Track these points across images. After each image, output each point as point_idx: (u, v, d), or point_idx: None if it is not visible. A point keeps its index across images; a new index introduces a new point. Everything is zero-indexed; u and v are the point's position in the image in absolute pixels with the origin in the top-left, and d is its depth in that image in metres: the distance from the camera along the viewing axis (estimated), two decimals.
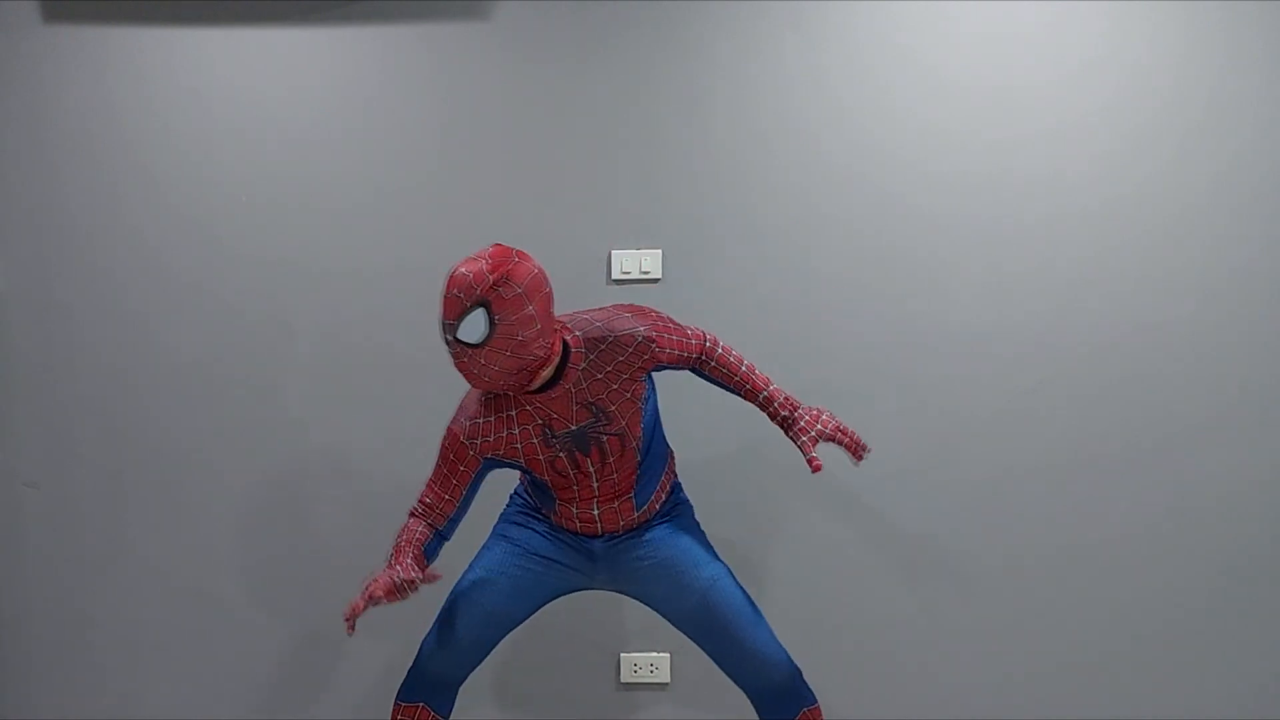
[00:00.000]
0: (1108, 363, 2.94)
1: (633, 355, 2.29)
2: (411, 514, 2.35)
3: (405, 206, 2.96)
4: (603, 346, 2.27)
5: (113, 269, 2.99)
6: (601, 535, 2.44)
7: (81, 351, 3.00)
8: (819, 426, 2.41)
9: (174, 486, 3.03)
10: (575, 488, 2.37)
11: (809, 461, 2.36)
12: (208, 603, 3.05)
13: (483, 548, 2.50)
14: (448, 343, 2.17)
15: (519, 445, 2.31)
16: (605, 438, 2.33)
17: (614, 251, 2.94)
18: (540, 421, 2.31)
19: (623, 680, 3.01)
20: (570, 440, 2.32)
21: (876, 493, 2.98)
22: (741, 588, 2.42)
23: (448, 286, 2.14)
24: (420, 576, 2.20)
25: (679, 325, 2.40)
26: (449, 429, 2.32)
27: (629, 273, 2.95)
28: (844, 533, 2.98)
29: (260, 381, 3.01)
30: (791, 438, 2.41)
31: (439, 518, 2.34)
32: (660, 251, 2.94)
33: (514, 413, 2.30)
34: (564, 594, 2.50)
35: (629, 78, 2.91)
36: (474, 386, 2.24)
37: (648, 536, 2.44)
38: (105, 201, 2.97)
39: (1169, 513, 2.96)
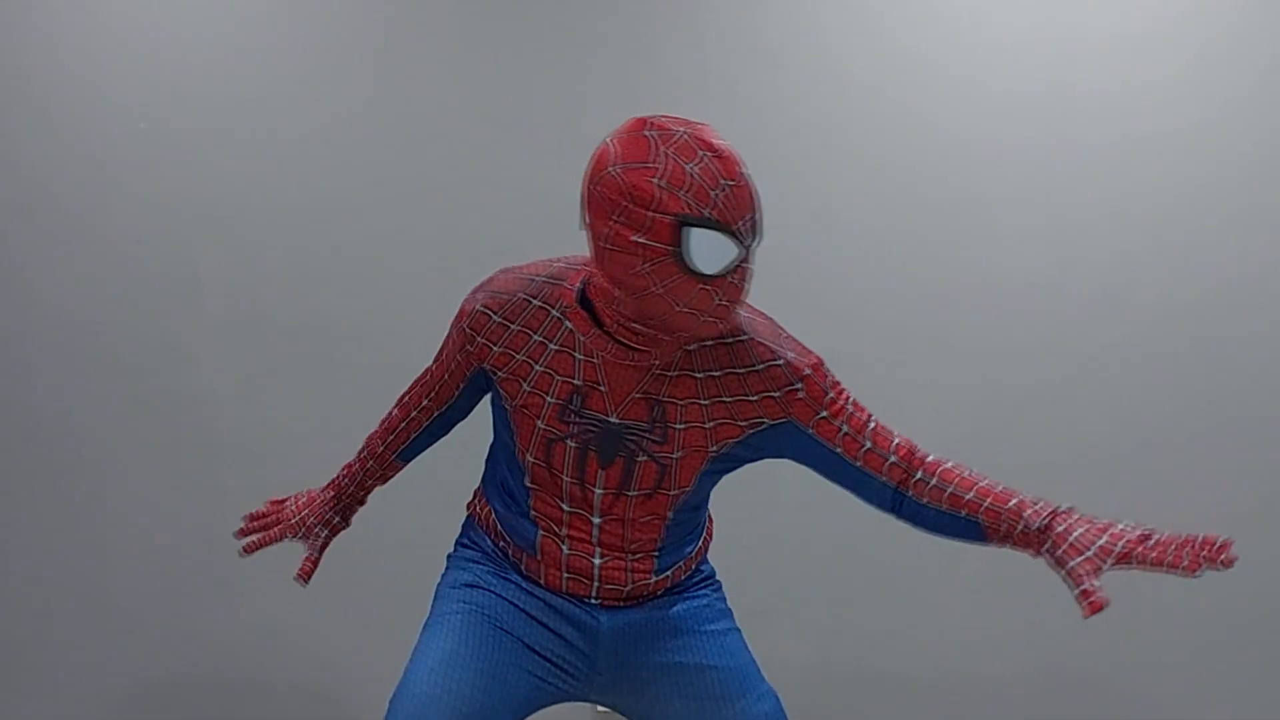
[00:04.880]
0: (1190, 322, 2.90)
1: (740, 370, 1.81)
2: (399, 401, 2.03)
3: (346, 140, 2.91)
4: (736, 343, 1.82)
5: None
6: (600, 601, 1.90)
7: None
8: None
9: (59, 470, 2.98)
10: (563, 507, 1.86)
11: None
12: (99, 608, 2.99)
13: (429, 624, 1.91)
14: (744, 256, 1.65)
15: (529, 390, 1.81)
16: (642, 458, 1.82)
17: None
18: (577, 382, 1.80)
19: (598, 709, 2.92)
20: (597, 435, 1.81)
21: None
22: None
23: (734, 169, 1.63)
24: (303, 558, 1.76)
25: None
26: (463, 305, 1.90)
27: None
28: (864, 527, 2.94)
29: (161, 346, 2.95)
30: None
31: (409, 404, 1.99)
32: None
33: (553, 347, 1.80)
34: (547, 704, 1.94)
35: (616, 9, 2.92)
36: (724, 323, 1.70)
37: (672, 624, 1.93)
38: None
39: (1267, 500, 2.91)
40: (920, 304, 2.90)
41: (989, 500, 1.75)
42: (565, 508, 1.82)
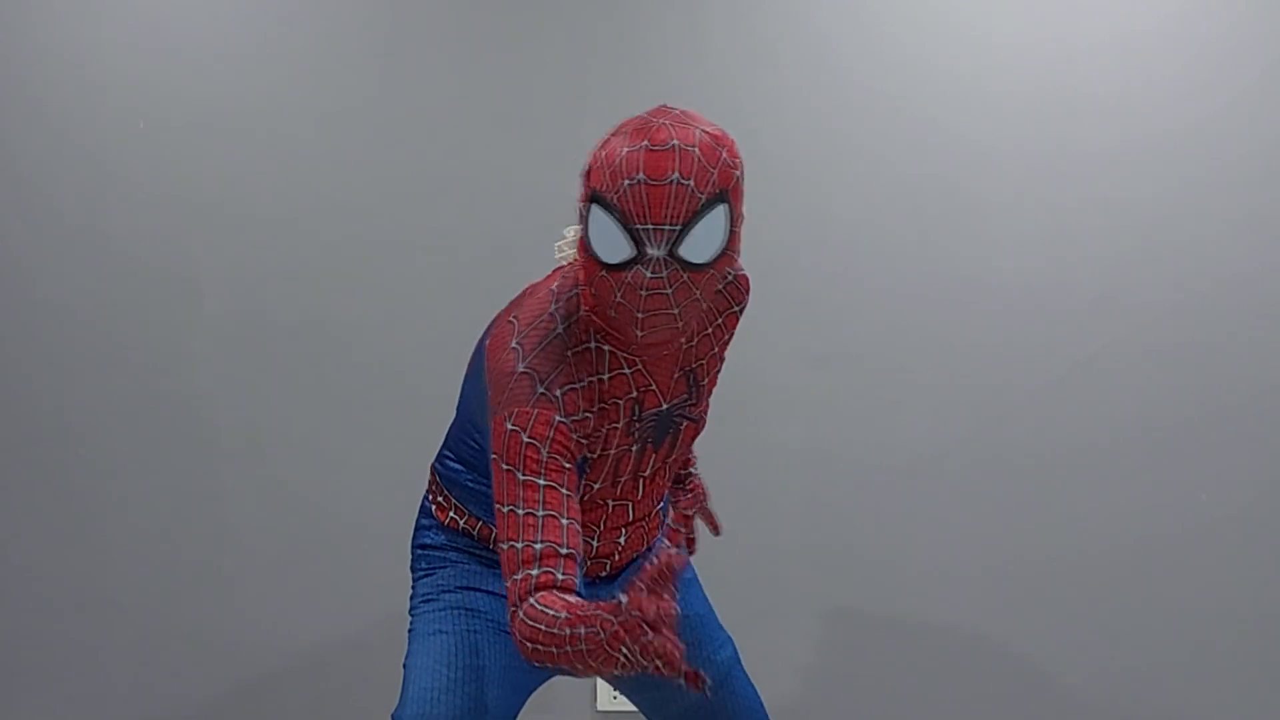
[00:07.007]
0: (1188, 322, 2.88)
1: (737, 308, 1.85)
2: (535, 588, 1.55)
3: (346, 140, 2.87)
4: (719, 287, 1.72)
5: None
6: (611, 576, 1.89)
7: None
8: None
9: (58, 469, 2.95)
10: (608, 505, 1.79)
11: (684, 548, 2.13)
12: (99, 608, 2.95)
13: (424, 633, 1.83)
14: (652, 263, 1.53)
15: (605, 431, 1.69)
16: (684, 424, 1.81)
17: None
18: (634, 394, 1.70)
19: (599, 708, 2.96)
20: (653, 426, 1.75)
21: (904, 482, 2.92)
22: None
23: (661, 168, 1.49)
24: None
25: None
26: (532, 413, 1.61)
27: None
28: (864, 530, 2.94)
29: (162, 345, 2.92)
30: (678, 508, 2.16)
31: (575, 554, 1.59)
32: None
33: (606, 378, 1.68)
34: (538, 685, 1.90)
35: None
36: (648, 345, 1.63)
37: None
38: None
39: (1267, 500, 2.89)
40: (920, 304, 2.88)
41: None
42: (610, 504, 1.77)
